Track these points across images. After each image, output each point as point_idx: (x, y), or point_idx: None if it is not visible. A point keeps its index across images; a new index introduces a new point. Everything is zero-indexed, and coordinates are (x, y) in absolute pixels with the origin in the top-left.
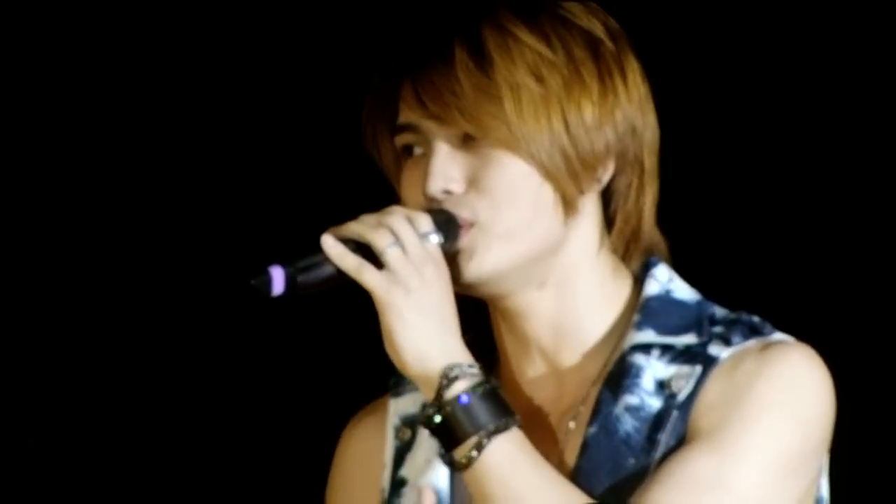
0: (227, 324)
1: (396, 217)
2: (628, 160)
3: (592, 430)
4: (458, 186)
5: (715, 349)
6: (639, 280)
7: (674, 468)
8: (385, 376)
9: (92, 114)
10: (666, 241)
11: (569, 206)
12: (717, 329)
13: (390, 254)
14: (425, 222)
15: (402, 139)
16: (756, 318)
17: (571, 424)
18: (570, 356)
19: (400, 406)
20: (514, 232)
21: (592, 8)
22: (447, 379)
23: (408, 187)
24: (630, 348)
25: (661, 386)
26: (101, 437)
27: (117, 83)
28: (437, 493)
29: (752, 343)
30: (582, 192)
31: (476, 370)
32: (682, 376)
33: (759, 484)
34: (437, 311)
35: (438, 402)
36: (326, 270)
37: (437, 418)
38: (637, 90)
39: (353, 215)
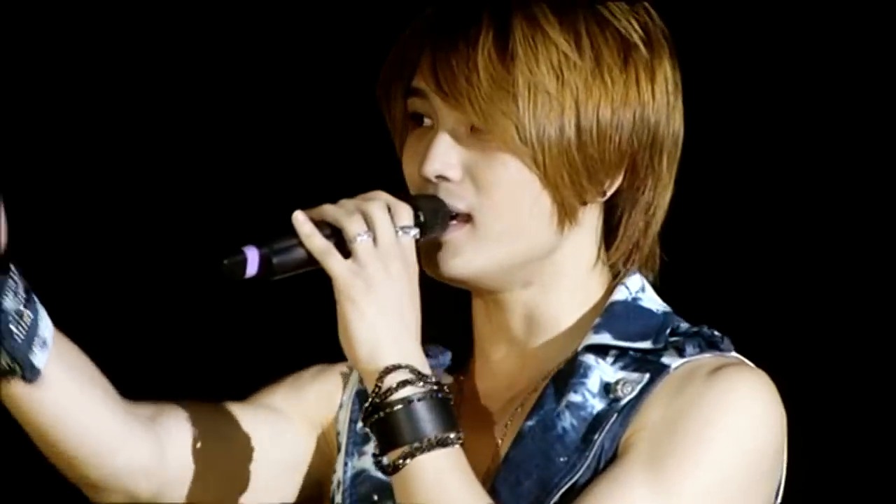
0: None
1: (376, 205)
2: (641, 171)
3: (530, 423)
4: (455, 174)
5: (668, 358)
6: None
7: (609, 490)
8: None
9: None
10: (662, 255)
11: (567, 216)
12: (675, 339)
13: (360, 243)
14: (406, 214)
15: (413, 105)
16: (716, 333)
17: (518, 411)
18: (536, 349)
19: None
20: (505, 236)
21: (639, 8)
22: (395, 381)
23: (409, 157)
24: (584, 348)
25: (607, 389)
26: None
27: (92, 75)
28: None
29: (706, 357)
30: (584, 203)
31: (426, 377)
32: (629, 381)
33: None
34: (396, 309)
35: (381, 403)
36: (300, 253)
37: (377, 418)
38: (665, 98)
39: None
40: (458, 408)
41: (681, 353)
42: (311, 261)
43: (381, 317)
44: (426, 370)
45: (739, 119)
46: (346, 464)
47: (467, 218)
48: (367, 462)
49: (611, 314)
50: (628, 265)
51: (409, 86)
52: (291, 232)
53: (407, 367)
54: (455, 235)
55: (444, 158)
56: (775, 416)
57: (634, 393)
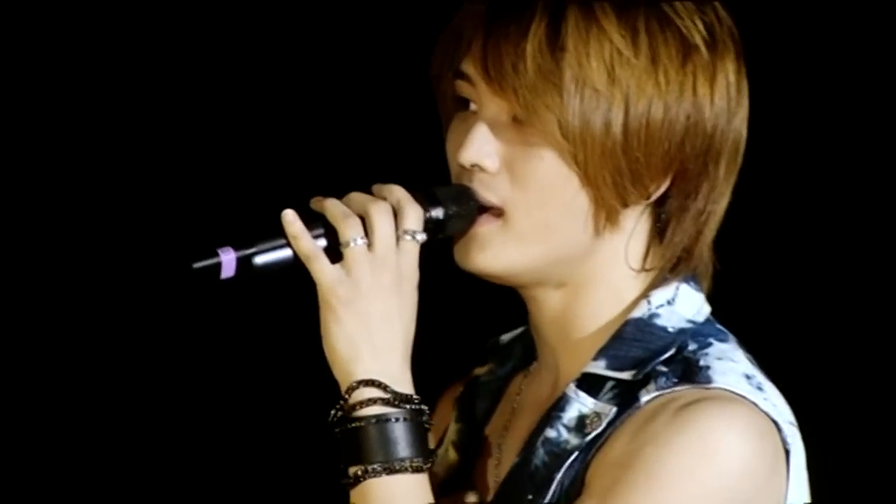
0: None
1: (380, 207)
2: (693, 177)
3: (517, 459)
4: (491, 164)
5: (643, 391)
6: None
7: None
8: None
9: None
10: (715, 262)
11: (607, 218)
12: (661, 368)
13: (351, 249)
14: (414, 218)
15: (460, 87)
16: (702, 360)
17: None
18: (567, 358)
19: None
20: (535, 233)
21: (707, 8)
22: (365, 397)
23: (451, 140)
24: (579, 377)
25: (581, 423)
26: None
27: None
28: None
29: (680, 391)
30: (626, 205)
31: (401, 396)
32: (599, 414)
33: None
34: (380, 322)
35: (348, 416)
36: (286, 253)
37: (342, 429)
38: (725, 102)
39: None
40: (510, 414)
41: (656, 384)
42: (297, 262)
43: (361, 329)
44: (405, 389)
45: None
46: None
47: (499, 212)
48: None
49: (618, 336)
50: (675, 273)
51: (458, 68)
52: (281, 230)
53: (380, 384)
54: (484, 229)
55: (481, 148)
56: (747, 455)
57: (600, 428)
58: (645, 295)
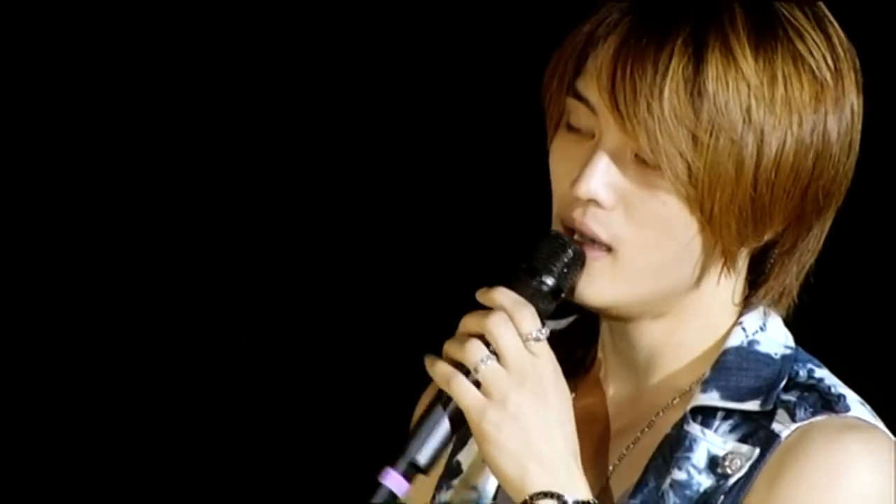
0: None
1: (495, 319)
2: (807, 219)
3: (634, 501)
4: (608, 199)
5: (778, 424)
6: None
7: None
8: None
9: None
10: (800, 292)
11: (725, 263)
12: (788, 397)
13: (483, 371)
14: (530, 319)
15: (574, 108)
16: (832, 387)
17: (624, 451)
18: (654, 379)
19: None
20: (647, 274)
21: (834, 38)
22: None
23: (560, 161)
24: (691, 411)
25: (714, 463)
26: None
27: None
28: (482, 498)
29: (819, 420)
30: (741, 247)
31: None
32: (738, 455)
33: None
34: (540, 431)
35: None
36: (440, 426)
37: None
38: (848, 138)
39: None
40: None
41: (792, 416)
42: (453, 423)
43: (522, 447)
44: (579, 494)
45: None
46: (433, 497)
47: (607, 247)
48: (452, 496)
49: (722, 365)
50: (771, 307)
51: (577, 88)
52: (424, 420)
53: (554, 494)
54: (593, 265)
55: (600, 181)
56: (886, 482)
57: (744, 471)
58: (737, 322)
